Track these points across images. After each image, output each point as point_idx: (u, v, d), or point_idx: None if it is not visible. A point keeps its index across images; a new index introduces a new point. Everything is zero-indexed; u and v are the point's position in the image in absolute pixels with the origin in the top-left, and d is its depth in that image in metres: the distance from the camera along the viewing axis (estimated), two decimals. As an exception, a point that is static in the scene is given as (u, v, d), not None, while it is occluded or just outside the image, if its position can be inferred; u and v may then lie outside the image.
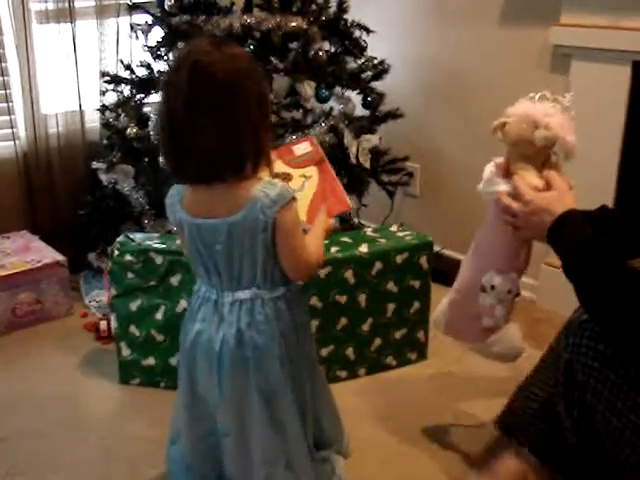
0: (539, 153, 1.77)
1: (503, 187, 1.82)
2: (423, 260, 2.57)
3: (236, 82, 1.56)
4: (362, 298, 2.50)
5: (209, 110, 1.54)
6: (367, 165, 2.99)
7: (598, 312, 1.55)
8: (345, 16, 3.03)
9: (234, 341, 1.70)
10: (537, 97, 1.78)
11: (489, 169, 1.88)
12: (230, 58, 1.58)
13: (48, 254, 3.04)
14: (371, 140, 2.99)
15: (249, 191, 1.60)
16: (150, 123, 2.95)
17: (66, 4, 3.14)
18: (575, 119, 1.75)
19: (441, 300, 2.08)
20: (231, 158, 1.58)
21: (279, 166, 1.86)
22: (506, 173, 1.83)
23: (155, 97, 3.03)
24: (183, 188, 1.70)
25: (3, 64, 3.14)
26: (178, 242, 2.45)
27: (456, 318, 2.05)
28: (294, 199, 1.64)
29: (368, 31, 3.05)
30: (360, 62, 3.09)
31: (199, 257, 1.71)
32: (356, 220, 3.29)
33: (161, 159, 2.73)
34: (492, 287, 1.91)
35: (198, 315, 1.77)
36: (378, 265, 2.50)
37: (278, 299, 1.72)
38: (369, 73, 3.10)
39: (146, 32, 3.02)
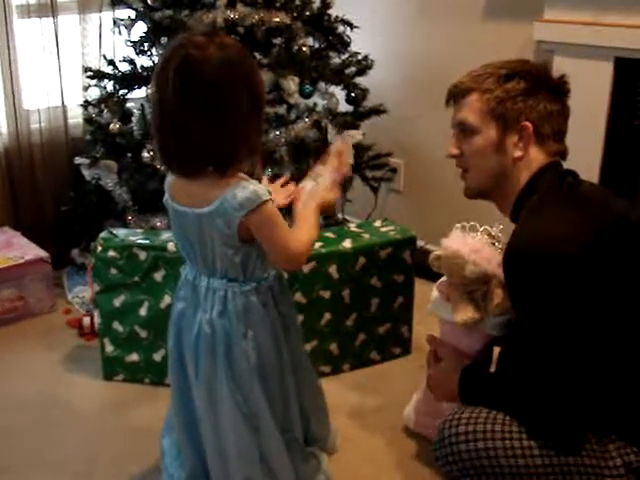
0: (474, 283, 1.86)
1: (447, 316, 1.97)
2: (407, 255, 2.58)
3: (227, 78, 1.55)
4: (346, 293, 2.51)
5: (198, 105, 1.53)
6: (351, 161, 2.98)
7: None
8: (329, 11, 3.03)
9: (207, 328, 1.72)
10: (468, 227, 1.92)
11: (435, 291, 2.03)
12: (222, 52, 1.55)
13: (31, 250, 3.02)
14: (355, 136, 2.99)
15: (222, 188, 1.60)
16: (133, 118, 2.94)
17: (48, -2, 3.12)
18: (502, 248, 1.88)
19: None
20: (215, 156, 1.58)
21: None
22: (447, 295, 1.98)
23: (138, 92, 3.01)
24: None
25: (-16, 59, 3.11)
26: (162, 237, 2.45)
27: (424, 417, 2.18)
28: (267, 202, 1.61)
29: (352, 26, 3.05)
30: (344, 57, 3.10)
31: (179, 239, 1.76)
32: (340, 216, 3.29)
33: (146, 153, 2.73)
34: None
35: (180, 294, 1.82)
36: (362, 260, 2.50)
37: (250, 292, 1.73)
38: (353, 69, 3.10)
39: (129, 27, 3.00)
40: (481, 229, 1.92)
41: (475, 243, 1.86)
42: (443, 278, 2.01)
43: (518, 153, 1.74)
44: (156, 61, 2.92)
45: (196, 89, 1.53)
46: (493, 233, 1.93)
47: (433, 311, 2.05)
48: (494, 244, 1.89)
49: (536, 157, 1.76)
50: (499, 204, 1.85)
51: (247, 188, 1.60)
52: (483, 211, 1.97)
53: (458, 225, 1.94)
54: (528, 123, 1.73)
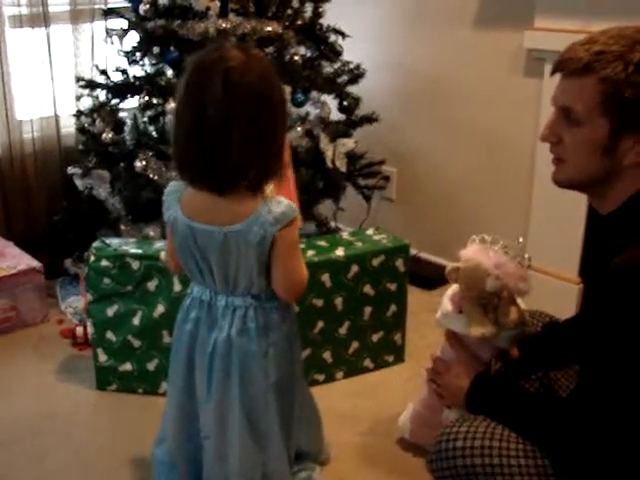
0: (490, 296, 1.82)
1: (460, 329, 1.88)
2: (399, 263, 2.58)
3: (268, 92, 1.53)
4: (339, 301, 2.51)
5: (243, 119, 1.50)
6: (343, 169, 3.00)
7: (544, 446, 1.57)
8: (320, 21, 3.04)
9: (223, 347, 1.70)
10: (489, 240, 1.83)
11: (447, 301, 1.95)
12: (261, 66, 1.54)
13: (23, 260, 3.01)
14: (347, 144, 3.00)
15: (253, 204, 1.58)
16: (126, 128, 2.94)
17: (40, 9, 3.12)
18: (526, 263, 1.83)
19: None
20: (253, 171, 1.55)
21: None
22: (460, 307, 1.91)
23: (131, 102, 3.02)
24: (183, 186, 1.66)
25: (-23, 70, 3.11)
26: (155, 247, 2.45)
27: (421, 427, 2.15)
28: (297, 218, 1.61)
29: (343, 35, 3.06)
30: (336, 66, 3.10)
31: (192, 258, 1.69)
32: (333, 224, 3.30)
33: (138, 162, 2.72)
34: None
35: (190, 315, 1.77)
36: (354, 268, 2.50)
37: (271, 310, 1.72)
38: (345, 77, 3.11)
39: (121, 37, 3.00)
40: (500, 242, 1.84)
41: (498, 257, 1.80)
42: (450, 290, 1.96)
43: (632, 159, 1.41)
44: (150, 70, 2.92)
45: (242, 103, 1.50)
46: (511, 246, 1.84)
47: (443, 324, 1.97)
48: (512, 257, 1.82)
49: None
50: (593, 201, 1.57)
51: (282, 202, 1.58)
52: (476, 220, 1.96)
53: (475, 237, 1.86)
54: None
